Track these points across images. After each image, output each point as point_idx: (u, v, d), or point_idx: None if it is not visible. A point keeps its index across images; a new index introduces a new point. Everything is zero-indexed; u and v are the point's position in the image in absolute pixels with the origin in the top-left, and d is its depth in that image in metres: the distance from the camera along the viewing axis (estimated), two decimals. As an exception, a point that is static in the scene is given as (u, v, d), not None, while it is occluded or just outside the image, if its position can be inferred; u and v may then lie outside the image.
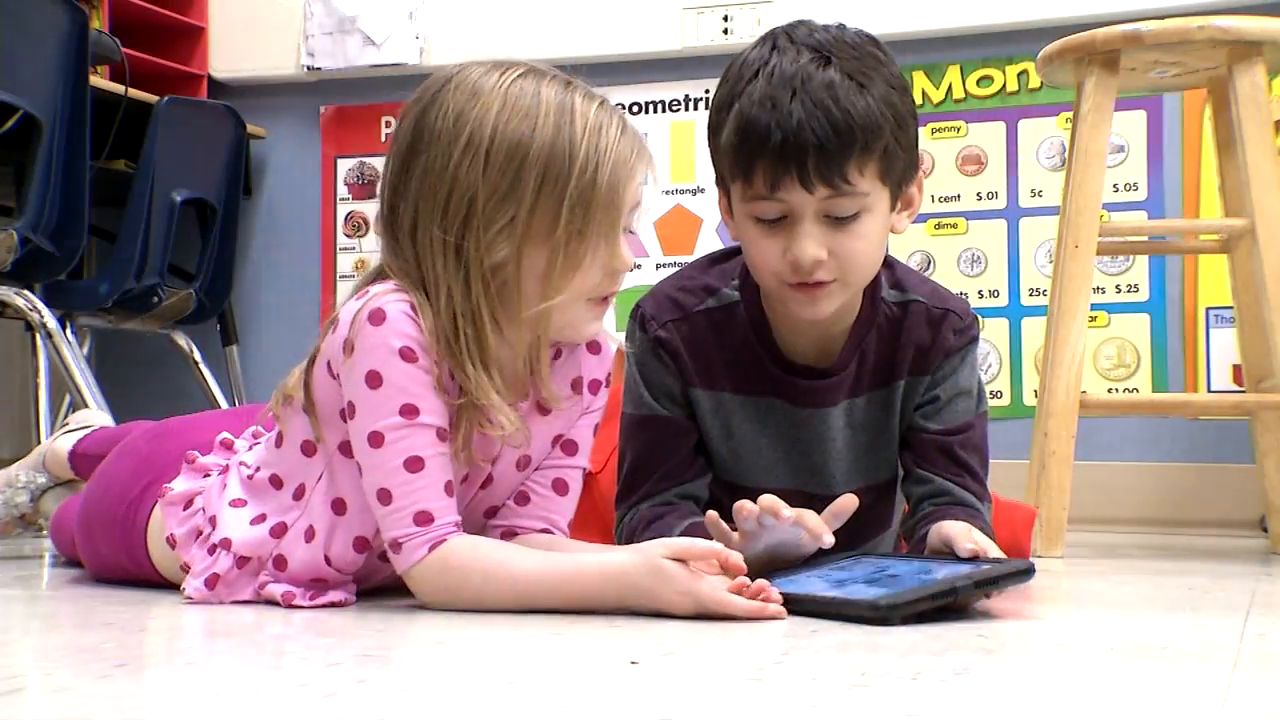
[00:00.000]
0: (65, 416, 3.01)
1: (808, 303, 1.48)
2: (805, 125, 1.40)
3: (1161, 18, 2.29)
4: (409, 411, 1.31)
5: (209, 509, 1.44)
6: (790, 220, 1.45)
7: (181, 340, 3.38)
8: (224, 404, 3.33)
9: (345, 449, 1.37)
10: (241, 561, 1.40)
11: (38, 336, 2.73)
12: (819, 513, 1.43)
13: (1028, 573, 1.30)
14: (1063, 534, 2.19)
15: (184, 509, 1.46)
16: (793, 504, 1.47)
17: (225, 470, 1.48)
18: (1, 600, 1.51)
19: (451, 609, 1.31)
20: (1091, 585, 1.77)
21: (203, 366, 3.37)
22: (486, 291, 1.34)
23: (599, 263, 1.36)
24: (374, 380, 1.31)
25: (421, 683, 0.95)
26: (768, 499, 1.36)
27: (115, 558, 1.56)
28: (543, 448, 1.47)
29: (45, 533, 1.97)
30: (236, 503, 1.43)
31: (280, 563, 1.39)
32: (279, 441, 1.42)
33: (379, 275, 1.40)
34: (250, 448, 1.49)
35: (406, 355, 1.31)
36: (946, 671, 1.00)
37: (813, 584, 1.34)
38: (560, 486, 1.50)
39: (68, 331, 2.80)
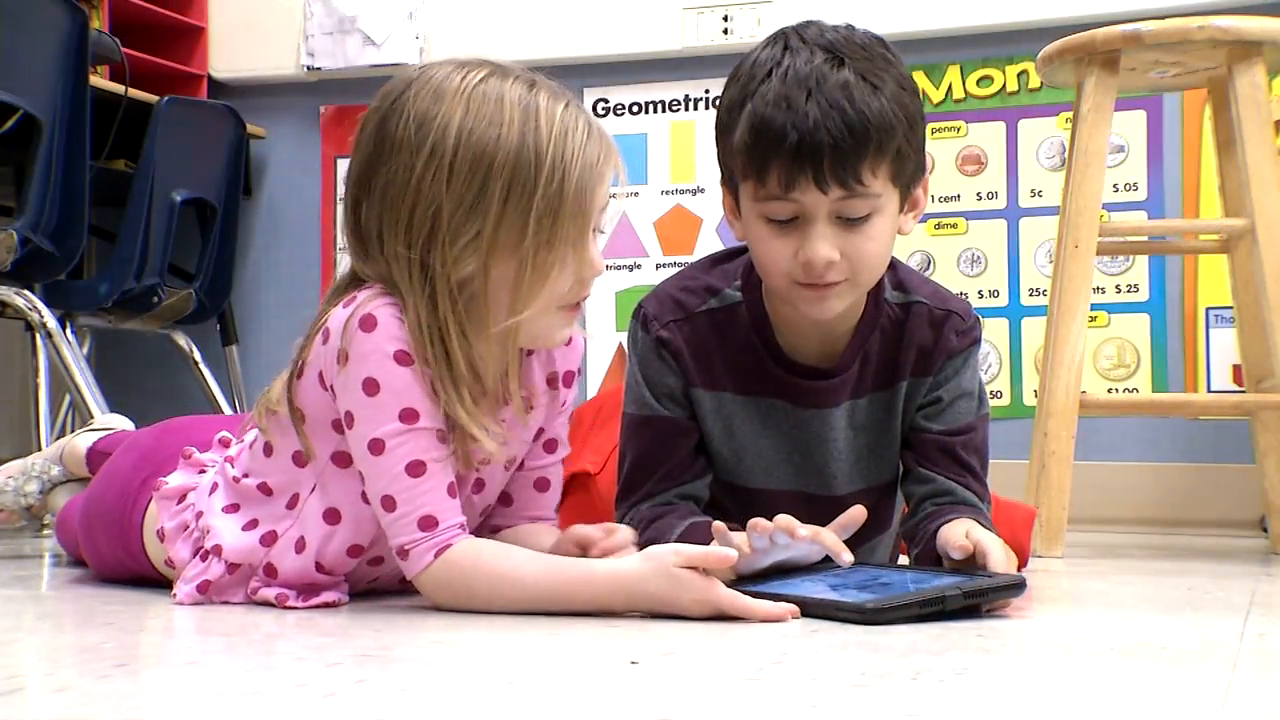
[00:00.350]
0: (65, 415, 3.02)
1: (817, 302, 1.48)
2: (821, 126, 1.39)
3: (1161, 18, 2.29)
4: (408, 416, 1.30)
5: (197, 505, 1.44)
6: (802, 221, 1.45)
7: (181, 340, 3.38)
8: (224, 404, 3.33)
9: (338, 459, 1.36)
10: (232, 568, 1.39)
11: (38, 336, 2.73)
12: (820, 514, 1.43)
13: (1019, 587, 1.31)
14: (1063, 534, 2.19)
15: (177, 503, 1.46)
16: (793, 506, 1.47)
17: (218, 467, 1.47)
18: (1, 600, 1.51)
19: (451, 611, 1.31)
20: (1091, 585, 1.77)
21: (203, 366, 3.37)
22: (454, 307, 1.32)
23: (568, 271, 1.35)
24: (371, 388, 1.30)
25: (421, 683, 0.95)
26: (783, 518, 1.35)
27: (114, 552, 1.56)
28: (527, 446, 1.48)
29: (48, 530, 1.97)
30: (229, 509, 1.42)
31: (270, 570, 1.38)
32: (268, 450, 1.41)
33: (354, 280, 1.38)
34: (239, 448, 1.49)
35: (401, 359, 1.30)
36: (946, 671, 1.00)
37: (805, 586, 1.34)
38: (542, 484, 1.51)
39: (68, 331, 2.80)
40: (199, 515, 1.43)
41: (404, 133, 1.32)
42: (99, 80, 3.10)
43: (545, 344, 1.43)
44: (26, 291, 2.74)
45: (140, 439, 1.67)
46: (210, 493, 1.44)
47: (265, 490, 1.41)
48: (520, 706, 0.86)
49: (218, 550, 1.39)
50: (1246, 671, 1.02)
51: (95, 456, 1.91)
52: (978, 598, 1.28)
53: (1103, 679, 0.99)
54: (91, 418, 2.48)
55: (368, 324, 1.30)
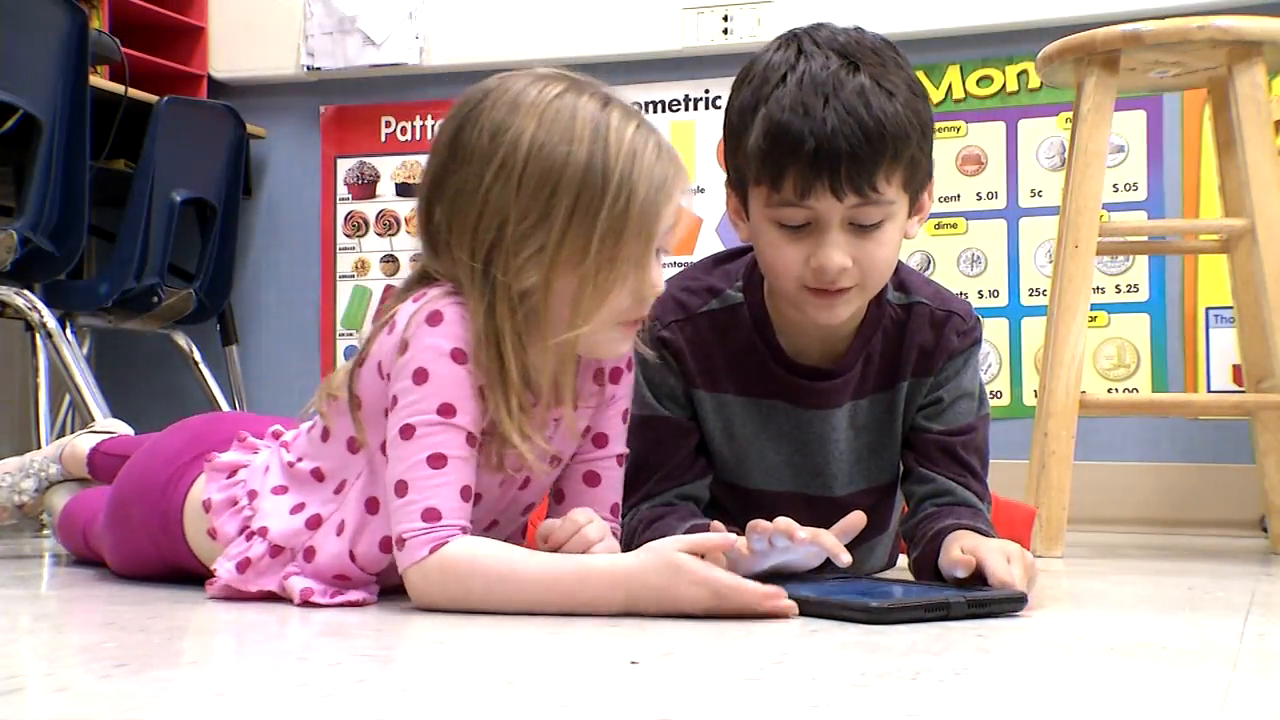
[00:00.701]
0: (65, 415, 3.02)
1: (825, 308, 1.48)
2: (839, 133, 1.39)
3: (1161, 18, 2.30)
4: (446, 410, 1.31)
5: (250, 483, 1.46)
6: (815, 227, 1.44)
7: (181, 340, 3.38)
8: (224, 404, 3.33)
9: (386, 449, 1.37)
10: (275, 550, 1.41)
11: (38, 336, 2.73)
12: (820, 515, 1.43)
13: (1021, 601, 1.32)
14: (1063, 534, 2.19)
15: (227, 477, 1.48)
16: (794, 507, 1.47)
17: (274, 450, 1.49)
18: (1, 600, 1.51)
19: (450, 611, 1.31)
20: (1091, 585, 1.77)
21: (203, 366, 3.37)
22: (512, 316, 1.34)
23: (629, 289, 1.36)
24: (420, 377, 1.32)
25: (421, 683, 0.95)
26: (783, 521, 1.35)
27: (146, 526, 1.55)
28: (573, 443, 1.48)
29: (46, 531, 1.97)
30: (278, 489, 1.44)
31: (309, 554, 1.39)
32: (325, 436, 1.43)
33: (424, 277, 1.40)
34: (296, 434, 1.50)
35: (456, 357, 1.32)
36: (946, 671, 1.00)
37: (806, 590, 1.34)
38: (591, 479, 1.50)
39: (68, 331, 2.80)
40: (252, 494, 1.45)
41: (477, 142, 1.34)
42: (99, 80, 3.10)
43: (603, 356, 1.44)
44: (26, 291, 2.74)
45: (190, 422, 1.69)
46: (264, 473, 1.46)
47: (317, 475, 1.42)
48: (520, 706, 0.86)
49: (263, 531, 1.41)
50: (1246, 671, 1.02)
51: (98, 458, 1.91)
52: (980, 607, 1.29)
53: (1103, 679, 0.99)
54: (91, 418, 2.48)
55: (434, 319, 1.33)
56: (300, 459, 1.44)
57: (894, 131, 1.41)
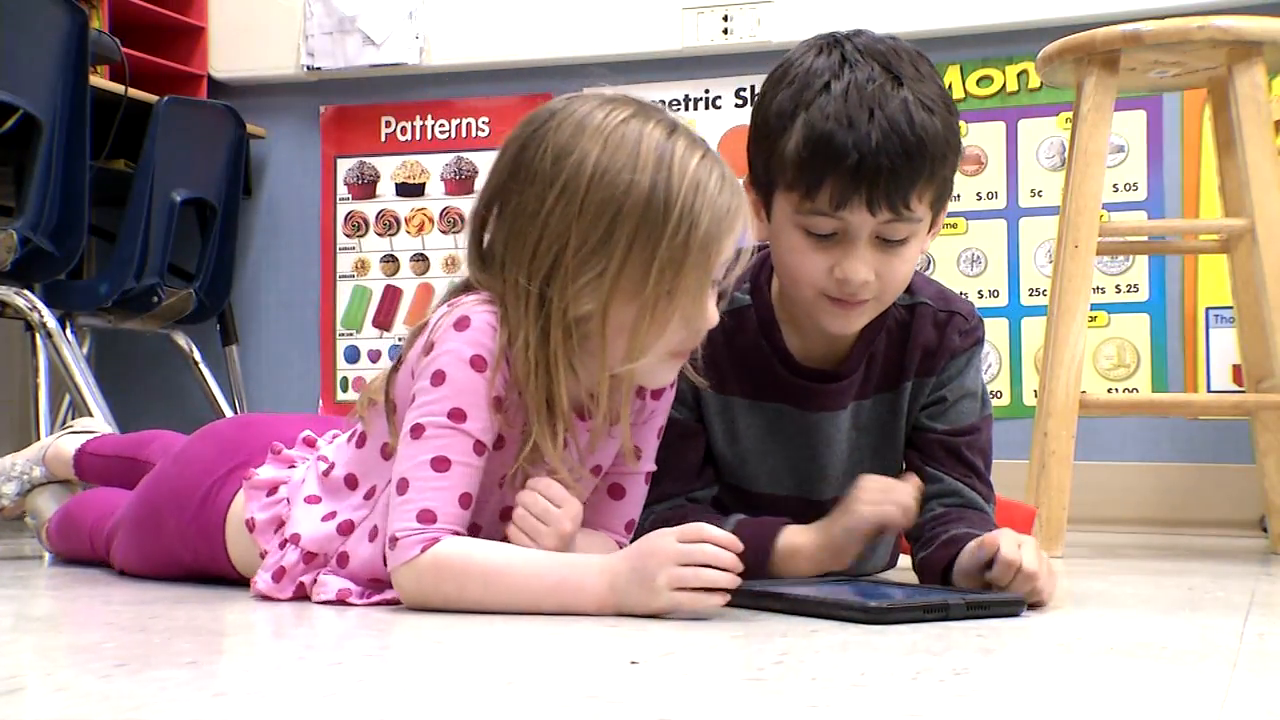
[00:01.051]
0: (65, 416, 3.02)
1: (842, 317, 1.48)
2: (882, 148, 1.38)
3: (1161, 18, 2.30)
4: (456, 415, 1.31)
5: (292, 500, 1.46)
6: (843, 238, 1.44)
7: (181, 340, 3.38)
8: (224, 404, 3.33)
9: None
10: (308, 557, 1.41)
11: (38, 336, 2.73)
12: (819, 518, 1.43)
13: (1019, 604, 1.33)
14: (1063, 534, 2.19)
15: (267, 495, 1.48)
16: (795, 510, 1.47)
17: (310, 463, 1.49)
18: (1, 600, 1.51)
19: (439, 610, 1.30)
20: (1091, 585, 1.76)
21: (202, 366, 3.37)
22: (566, 341, 1.34)
23: (685, 321, 1.35)
24: (438, 378, 1.32)
25: (421, 683, 0.95)
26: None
27: (184, 534, 1.55)
28: (613, 454, 1.48)
29: (40, 536, 1.97)
30: (311, 499, 1.44)
31: (343, 559, 1.40)
32: (360, 441, 1.43)
33: (467, 287, 1.41)
34: (331, 445, 1.51)
35: (476, 364, 1.32)
36: (946, 671, 1.00)
37: (806, 590, 1.34)
38: (616, 491, 1.50)
39: (68, 331, 2.80)
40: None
41: (540, 164, 1.33)
42: (99, 80, 3.10)
43: (649, 384, 1.44)
44: (26, 291, 2.74)
45: (217, 428, 1.69)
46: (302, 485, 1.47)
47: (350, 482, 1.43)
48: (520, 706, 0.86)
49: (295, 539, 1.42)
50: (1246, 671, 1.02)
51: (86, 459, 1.90)
52: (979, 609, 1.30)
53: (1103, 679, 0.99)
54: (91, 418, 2.48)
55: (461, 324, 1.33)
56: (334, 466, 1.45)
57: (933, 150, 1.40)
